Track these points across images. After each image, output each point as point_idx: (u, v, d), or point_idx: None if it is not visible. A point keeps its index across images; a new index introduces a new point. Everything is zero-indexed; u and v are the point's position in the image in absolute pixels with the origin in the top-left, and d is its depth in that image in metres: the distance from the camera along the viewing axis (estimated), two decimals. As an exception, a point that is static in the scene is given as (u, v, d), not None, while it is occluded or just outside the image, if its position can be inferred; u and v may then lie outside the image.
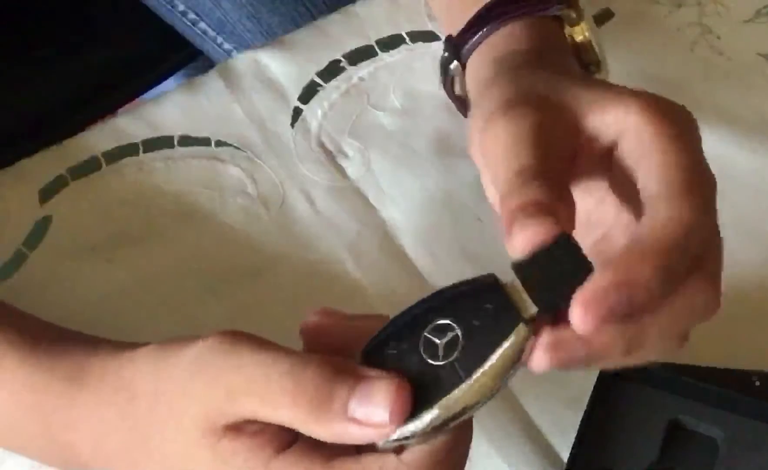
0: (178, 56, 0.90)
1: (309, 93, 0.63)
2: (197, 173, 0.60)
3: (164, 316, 0.55)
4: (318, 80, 0.63)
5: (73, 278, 0.56)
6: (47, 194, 0.58)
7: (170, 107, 0.62)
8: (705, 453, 0.49)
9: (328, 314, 0.44)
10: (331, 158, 0.61)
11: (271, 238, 0.58)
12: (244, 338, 0.42)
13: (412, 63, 0.64)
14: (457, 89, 0.56)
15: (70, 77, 0.85)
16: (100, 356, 0.46)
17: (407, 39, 0.65)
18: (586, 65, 0.55)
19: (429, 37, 0.65)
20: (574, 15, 0.54)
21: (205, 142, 0.61)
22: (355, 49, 0.64)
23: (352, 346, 0.42)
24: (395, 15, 0.65)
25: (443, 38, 0.56)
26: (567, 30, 0.54)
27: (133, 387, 0.45)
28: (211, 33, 0.81)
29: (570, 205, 0.42)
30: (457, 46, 0.54)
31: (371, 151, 0.61)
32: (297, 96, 0.62)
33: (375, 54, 0.64)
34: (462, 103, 0.57)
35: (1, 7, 0.78)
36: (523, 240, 0.40)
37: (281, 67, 0.63)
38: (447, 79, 0.56)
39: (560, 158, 0.44)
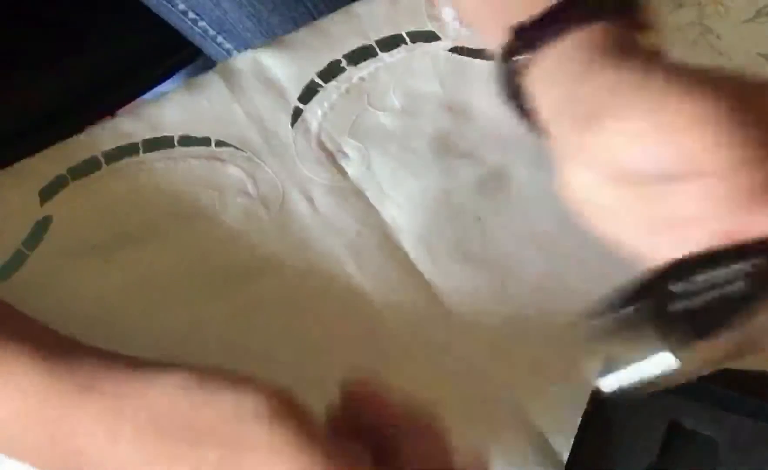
0: (178, 56, 0.90)
1: (309, 93, 0.63)
2: (197, 173, 0.60)
3: (164, 316, 0.55)
4: (318, 80, 0.63)
5: (73, 278, 0.56)
6: (47, 194, 0.58)
7: (170, 107, 0.62)
8: (705, 453, 0.49)
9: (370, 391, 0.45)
10: (331, 158, 0.61)
11: (271, 238, 0.58)
12: (291, 412, 0.43)
13: (412, 63, 0.64)
14: (524, 83, 0.55)
15: (70, 77, 0.85)
16: (119, 367, 0.46)
17: (407, 39, 0.64)
18: None
19: (429, 37, 0.65)
20: (648, 20, 0.54)
21: (205, 142, 0.61)
22: (355, 49, 0.64)
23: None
24: (395, 15, 0.65)
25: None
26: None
27: (159, 412, 0.44)
28: (212, 32, 0.81)
29: None
30: (528, 38, 0.54)
31: (371, 151, 0.61)
32: (297, 96, 0.62)
33: (375, 54, 0.64)
34: (515, 96, 0.56)
35: (1, 8, 0.78)
36: None
37: (281, 67, 0.63)
38: (506, 73, 0.55)
39: None
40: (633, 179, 0.49)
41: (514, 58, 0.54)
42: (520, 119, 0.56)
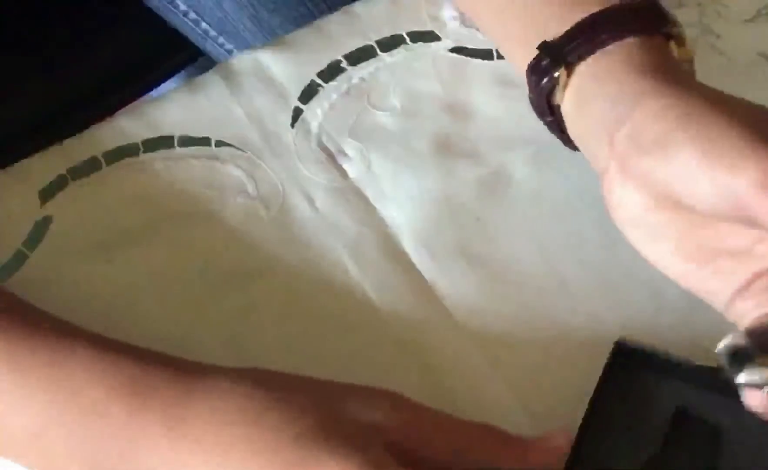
0: (179, 57, 0.90)
1: (309, 93, 0.63)
2: (197, 173, 0.60)
3: (164, 316, 0.55)
4: (318, 81, 0.63)
5: (73, 279, 0.56)
6: (47, 194, 0.59)
7: (170, 107, 0.62)
8: (710, 440, 0.49)
9: None
10: (331, 158, 0.61)
11: (271, 238, 0.58)
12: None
13: (412, 63, 0.64)
14: (557, 99, 0.54)
15: (70, 77, 0.85)
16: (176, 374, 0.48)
17: (407, 39, 0.65)
18: None
19: (429, 37, 0.65)
20: (679, 33, 0.54)
21: (205, 142, 0.61)
22: (356, 49, 0.64)
23: None
24: (395, 15, 0.65)
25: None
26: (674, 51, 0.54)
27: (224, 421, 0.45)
28: (213, 33, 0.82)
29: None
30: (563, 54, 0.53)
31: (371, 151, 0.61)
32: (297, 96, 0.62)
33: (375, 54, 0.64)
34: (549, 110, 0.55)
35: (1, 7, 0.78)
36: None
37: (282, 67, 0.63)
38: (540, 89, 0.54)
39: None
40: (685, 206, 0.49)
41: (543, 75, 0.54)
42: (554, 134, 0.56)
